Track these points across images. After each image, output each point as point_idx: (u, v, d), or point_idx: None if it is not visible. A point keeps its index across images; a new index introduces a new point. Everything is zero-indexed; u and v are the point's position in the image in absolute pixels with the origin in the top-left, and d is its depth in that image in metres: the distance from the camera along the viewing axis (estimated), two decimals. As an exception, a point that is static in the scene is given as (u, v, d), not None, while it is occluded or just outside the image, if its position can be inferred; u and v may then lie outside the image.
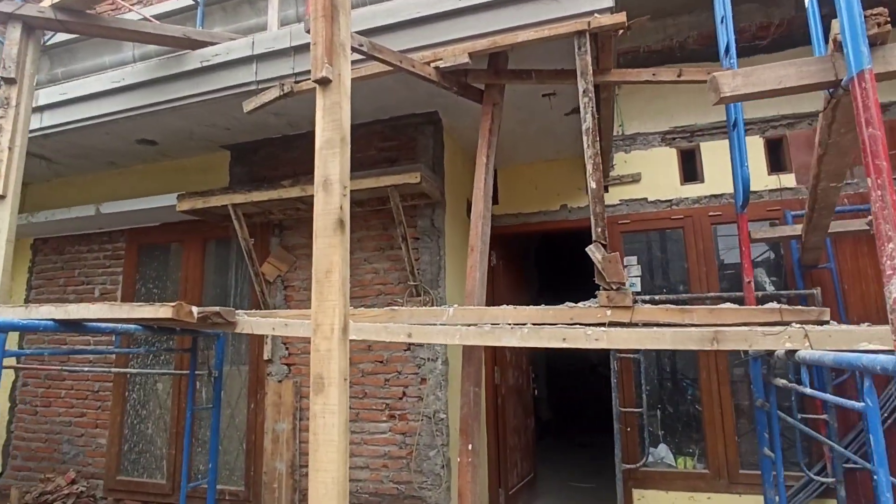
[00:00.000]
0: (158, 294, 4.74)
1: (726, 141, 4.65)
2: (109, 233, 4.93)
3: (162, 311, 2.06)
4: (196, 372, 3.28)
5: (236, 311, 2.69)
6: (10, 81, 3.00)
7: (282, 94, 3.06)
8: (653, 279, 4.88)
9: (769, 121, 4.58)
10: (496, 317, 2.58)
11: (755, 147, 4.57)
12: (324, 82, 2.15)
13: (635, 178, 4.81)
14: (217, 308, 2.53)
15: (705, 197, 4.64)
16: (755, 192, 4.50)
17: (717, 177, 4.65)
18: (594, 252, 2.49)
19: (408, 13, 2.88)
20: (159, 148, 4.54)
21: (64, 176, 5.28)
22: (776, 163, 4.57)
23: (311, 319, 1.98)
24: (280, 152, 4.39)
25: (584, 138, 2.51)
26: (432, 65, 2.81)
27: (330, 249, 2.02)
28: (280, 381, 4.08)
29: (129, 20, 3.26)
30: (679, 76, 2.88)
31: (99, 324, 2.30)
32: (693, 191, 4.68)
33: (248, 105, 3.17)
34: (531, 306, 2.55)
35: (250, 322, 2.61)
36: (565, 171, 5.03)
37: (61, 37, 5.77)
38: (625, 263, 4.81)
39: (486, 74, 2.99)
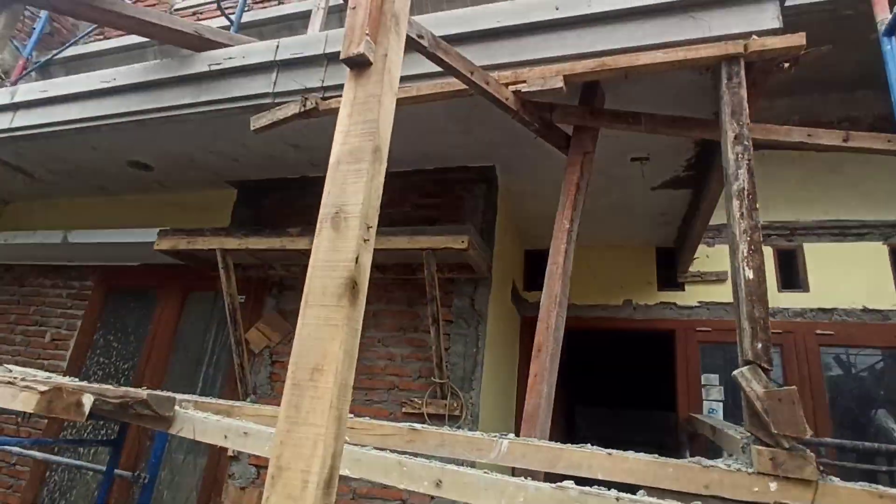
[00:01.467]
0: (118, 349, 3.83)
1: (837, 244, 3.80)
2: (80, 268, 4.12)
3: (22, 400, 1.17)
4: (117, 471, 2.30)
5: (178, 401, 1.77)
6: (-39, 56, 2.32)
7: (303, 109, 2.32)
8: (737, 407, 3.82)
9: (894, 225, 3.72)
10: (576, 464, 1.61)
11: (878, 256, 3.67)
12: (359, 63, 1.38)
13: (720, 278, 3.90)
14: (144, 394, 1.61)
15: (811, 310, 3.69)
16: (878, 312, 3.56)
17: (825, 286, 3.72)
18: (749, 381, 1.54)
19: (485, 22, 2.17)
20: (155, 176, 3.83)
21: (49, 198, 4.59)
22: (906, 279, 3.64)
23: (272, 455, 1.07)
24: (296, 197, 3.63)
25: (735, 206, 1.65)
26: (511, 88, 2.04)
27: (326, 330, 1.15)
28: (243, 489, 3.04)
29: (130, 6, 2.63)
30: (845, 141, 2.06)
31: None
32: (794, 300, 3.74)
33: (258, 121, 2.42)
34: (636, 454, 1.58)
35: (192, 422, 1.67)
36: (633, 261, 4.16)
37: (76, 50, 5.37)
38: (703, 382, 3.80)
39: (579, 113, 2.21)
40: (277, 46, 2.50)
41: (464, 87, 2.10)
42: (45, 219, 4.42)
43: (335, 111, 2.38)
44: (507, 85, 2.04)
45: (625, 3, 1.95)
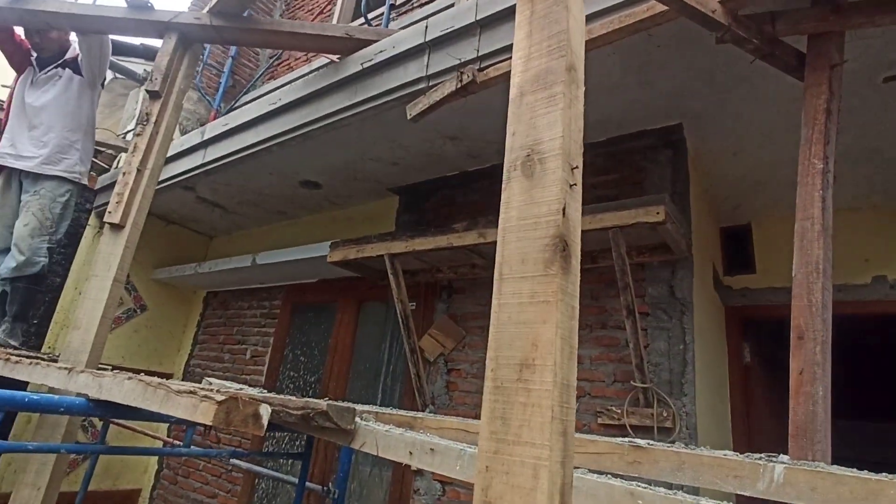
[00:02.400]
0: (305, 363, 4.01)
1: None
2: (269, 289, 4.45)
3: (201, 410, 1.05)
4: (308, 485, 2.25)
5: (358, 412, 1.60)
6: (154, 95, 2.54)
7: (459, 85, 2.08)
8: None
9: None
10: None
11: None
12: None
13: None
14: (324, 405, 1.46)
15: None
16: None
17: None
18: None
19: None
20: (324, 193, 3.96)
21: (243, 228, 5.10)
22: None
23: (477, 486, 0.78)
24: (457, 195, 3.46)
25: None
26: (717, -3, 1.56)
27: (533, 310, 0.83)
28: (431, 506, 2.87)
29: (285, 21, 2.67)
30: None
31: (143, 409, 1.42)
32: None
33: (414, 108, 2.25)
34: None
35: (374, 436, 1.48)
36: (881, 225, 3.20)
37: (253, 94, 5.95)
38: None
39: (816, 15, 1.63)
40: (427, 27, 2.32)
41: (650, 12, 1.67)
42: (240, 247, 4.90)
43: (495, 81, 2.11)
44: (710, -6, 1.56)
45: None
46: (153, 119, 2.51)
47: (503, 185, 0.96)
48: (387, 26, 3.72)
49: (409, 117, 2.26)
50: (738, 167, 2.93)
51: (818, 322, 1.44)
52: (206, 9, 2.63)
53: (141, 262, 4.75)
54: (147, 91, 2.54)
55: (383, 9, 4.04)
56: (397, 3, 3.99)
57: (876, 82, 2.16)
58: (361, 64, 2.52)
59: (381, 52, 2.46)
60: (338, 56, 2.70)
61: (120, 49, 5.44)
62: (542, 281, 0.83)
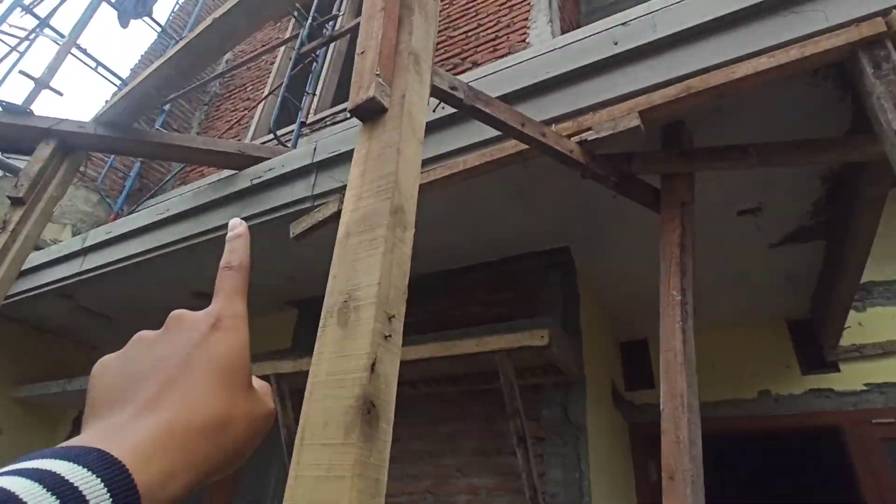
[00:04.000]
0: (179, 500, 3.49)
1: None
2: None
3: None
4: None
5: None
6: (16, 202, 2.34)
7: (341, 206, 2.06)
8: (963, 532, 2.75)
9: None
10: None
11: None
12: (371, 111, 1.08)
13: (888, 350, 3.04)
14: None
15: None
16: None
17: None
18: None
19: (529, 77, 1.87)
20: (219, 305, 3.72)
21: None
22: None
23: None
24: (357, 309, 3.34)
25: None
26: (575, 139, 1.67)
27: (328, 487, 0.72)
28: None
29: (177, 135, 2.63)
30: None
31: None
32: None
33: (297, 227, 2.20)
34: None
35: None
36: (761, 341, 3.39)
37: (160, 199, 5.76)
38: (901, 498, 2.80)
39: (666, 158, 1.78)
40: (315, 149, 2.35)
41: (517, 148, 1.76)
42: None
43: (377, 202, 2.13)
44: (569, 136, 1.68)
45: (701, 17, 1.59)
46: (10, 227, 2.29)
47: (318, 333, 0.88)
48: (296, 145, 3.79)
49: (291, 236, 2.19)
50: (628, 286, 3.06)
51: (686, 460, 1.40)
52: (93, 117, 2.55)
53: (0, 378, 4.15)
54: (8, 197, 2.34)
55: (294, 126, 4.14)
56: (308, 121, 4.11)
57: (732, 216, 2.38)
58: (251, 180, 2.48)
59: (270, 169, 2.45)
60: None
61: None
62: (341, 450, 0.73)
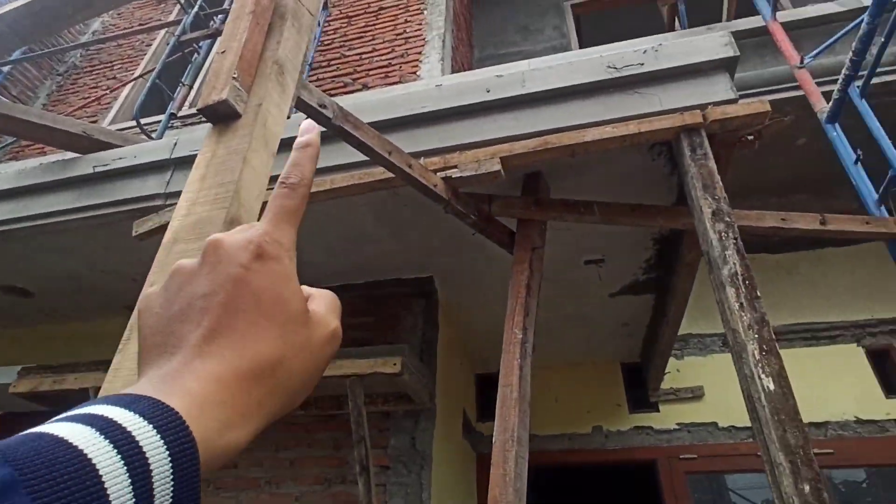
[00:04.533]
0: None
1: (814, 348, 3.52)
2: (-79, 424, 3.27)
3: None
4: None
5: None
6: None
7: (194, 209, 1.91)
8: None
9: (863, 325, 3.49)
10: None
11: (855, 359, 3.39)
12: (222, 115, 1.02)
13: (696, 394, 3.48)
14: None
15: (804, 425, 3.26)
16: (874, 423, 3.18)
17: (812, 396, 3.34)
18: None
19: (406, 108, 1.91)
20: (38, 304, 3.23)
21: None
22: (889, 383, 3.33)
23: None
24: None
25: (731, 296, 1.29)
26: (441, 175, 1.73)
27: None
28: None
29: (7, 103, 2.28)
30: (823, 224, 1.82)
31: None
32: (780, 418, 3.32)
33: (142, 225, 1.99)
34: None
35: None
36: (599, 381, 3.71)
37: None
38: (697, 526, 3.18)
39: (523, 204, 1.91)
40: (175, 143, 2.17)
41: (386, 175, 1.77)
42: None
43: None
44: (435, 171, 1.73)
45: (564, 82, 1.75)
46: None
47: (119, 347, 0.79)
48: (161, 136, 3.46)
49: (134, 234, 1.98)
50: (485, 321, 3.18)
51: (510, 492, 1.46)
52: None
53: None
54: None
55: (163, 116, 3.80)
56: (179, 114, 3.80)
57: (580, 264, 2.60)
58: (94, 167, 2.21)
59: (120, 158, 2.20)
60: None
61: None
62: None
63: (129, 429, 0.23)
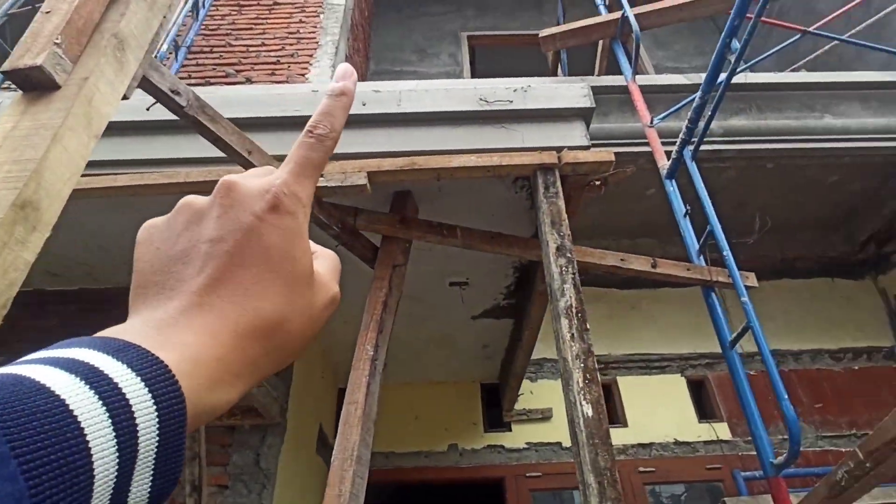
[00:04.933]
0: None
1: (645, 377, 3.93)
2: None
3: None
4: None
5: None
6: None
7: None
8: (571, 568, 3.42)
9: (686, 358, 3.98)
10: None
11: (678, 387, 3.84)
12: (35, 82, 0.91)
13: (545, 416, 3.71)
14: None
15: (631, 446, 3.62)
16: (687, 444, 3.61)
17: (642, 420, 3.72)
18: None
19: (279, 109, 1.84)
20: None
21: None
22: (703, 409, 3.81)
23: None
24: (25, 317, 2.67)
25: (564, 326, 1.39)
26: (305, 181, 1.67)
27: None
28: None
29: None
30: (654, 267, 2.05)
31: None
32: (615, 436, 3.64)
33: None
34: None
35: None
36: (459, 399, 3.80)
37: None
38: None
39: (388, 220, 1.91)
40: (-4, 108, 1.86)
41: (247, 175, 1.68)
42: None
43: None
44: (301, 177, 1.67)
45: (437, 107, 1.80)
46: None
47: None
48: (-10, 94, 2.98)
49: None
50: (347, 334, 3.12)
51: (342, 513, 1.43)
52: None
53: None
54: None
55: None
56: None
57: (445, 285, 2.67)
58: None
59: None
60: None
61: None
62: None
63: (116, 381, 0.21)
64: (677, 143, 2.37)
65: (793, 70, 3.87)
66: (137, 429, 0.21)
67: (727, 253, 2.08)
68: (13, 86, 3.49)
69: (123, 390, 0.21)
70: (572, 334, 1.37)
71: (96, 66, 0.98)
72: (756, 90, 3.44)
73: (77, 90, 0.93)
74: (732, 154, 3.37)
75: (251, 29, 4.36)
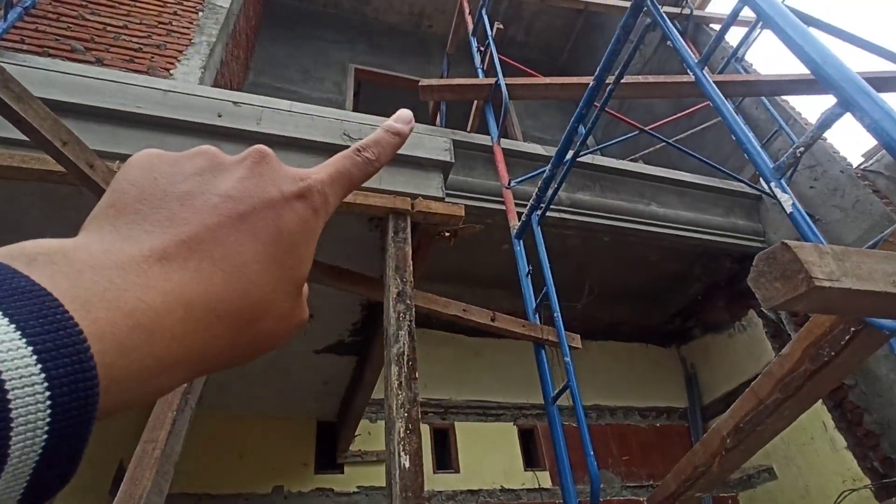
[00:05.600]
0: None
1: (482, 424, 4.06)
2: None
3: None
4: None
5: None
6: None
7: None
8: None
9: (521, 407, 4.21)
10: None
11: (510, 436, 4.03)
12: None
13: (380, 458, 3.63)
14: None
15: (461, 492, 3.68)
16: (512, 492, 3.77)
17: (473, 467, 3.82)
18: None
19: (120, 102, 1.65)
20: None
21: None
22: (530, 457, 4.03)
23: None
24: None
25: (394, 373, 1.38)
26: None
27: None
28: None
29: None
30: (493, 320, 2.16)
31: None
32: (447, 482, 3.69)
33: None
34: None
35: None
36: (291, 437, 3.58)
37: None
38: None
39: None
40: None
41: (60, 168, 1.46)
42: None
43: None
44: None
45: (299, 133, 1.75)
46: None
47: None
48: None
49: None
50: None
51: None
52: None
53: None
54: None
55: None
56: None
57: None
58: None
59: None
60: None
61: None
62: None
63: None
64: (527, 207, 2.56)
65: (632, 159, 4.46)
66: (11, 427, 0.15)
67: (557, 314, 2.26)
68: None
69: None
70: (400, 382, 1.37)
71: None
72: (601, 171, 3.89)
73: None
74: (575, 224, 3.74)
75: (114, 7, 3.94)
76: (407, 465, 1.29)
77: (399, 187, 1.76)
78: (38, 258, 0.19)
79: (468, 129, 3.86)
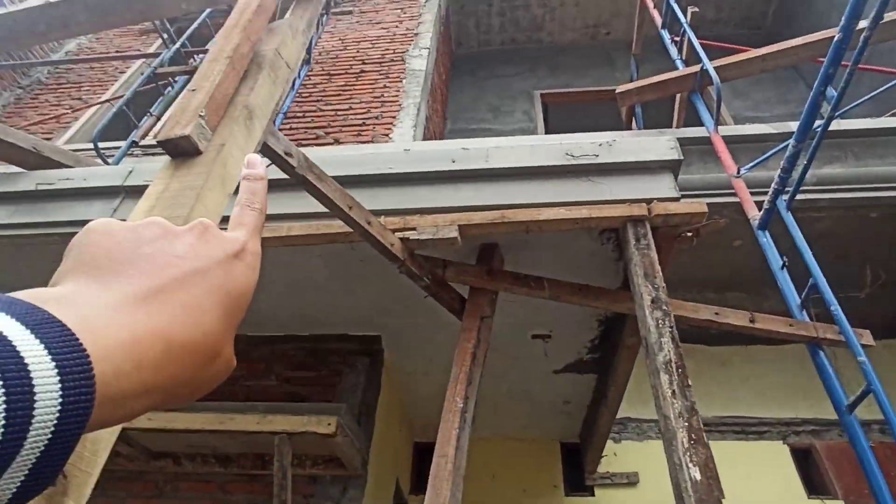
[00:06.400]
0: None
1: (741, 443, 3.61)
2: None
3: None
4: None
5: None
6: None
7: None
8: None
9: (788, 423, 3.63)
10: None
11: (779, 456, 3.50)
12: (182, 150, 1.04)
13: (631, 480, 3.47)
14: None
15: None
16: (796, 524, 3.24)
17: (740, 492, 3.38)
18: None
19: (373, 167, 1.97)
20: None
21: None
22: (811, 482, 3.43)
23: None
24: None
25: (664, 382, 1.34)
26: (399, 235, 1.76)
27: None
28: None
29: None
30: (752, 322, 1.94)
31: None
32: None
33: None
34: None
35: None
36: (537, 458, 3.65)
37: None
38: None
39: (476, 272, 1.95)
40: (131, 171, 2.12)
41: (345, 229, 1.79)
42: None
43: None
44: (394, 231, 1.76)
45: (524, 162, 1.85)
46: None
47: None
48: (118, 163, 3.40)
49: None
50: (430, 386, 3.13)
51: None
52: None
53: None
54: None
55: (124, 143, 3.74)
56: (141, 142, 3.75)
57: (527, 337, 2.64)
58: (37, 184, 2.13)
59: (67, 178, 2.13)
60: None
61: None
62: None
63: (27, 363, 0.19)
64: (770, 193, 2.27)
65: (893, 114, 3.66)
66: (32, 422, 0.19)
67: (835, 308, 1.94)
68: (135, 153, 3.92)
69: (32, 373, 0.19)
70: (673, 391, 1.32)
71: (230, 134, 1.11)
72: (852, 136, 3.26)
73: (215, 155, 1.05)
74: (827, 203, 3.18)
75: (339, 95, 4.73)
76: (698, 477, 1.22)
77: (629, 195, 1.74)
78: (48, 301, 0.23)
79: (674, 125, 3.62)
